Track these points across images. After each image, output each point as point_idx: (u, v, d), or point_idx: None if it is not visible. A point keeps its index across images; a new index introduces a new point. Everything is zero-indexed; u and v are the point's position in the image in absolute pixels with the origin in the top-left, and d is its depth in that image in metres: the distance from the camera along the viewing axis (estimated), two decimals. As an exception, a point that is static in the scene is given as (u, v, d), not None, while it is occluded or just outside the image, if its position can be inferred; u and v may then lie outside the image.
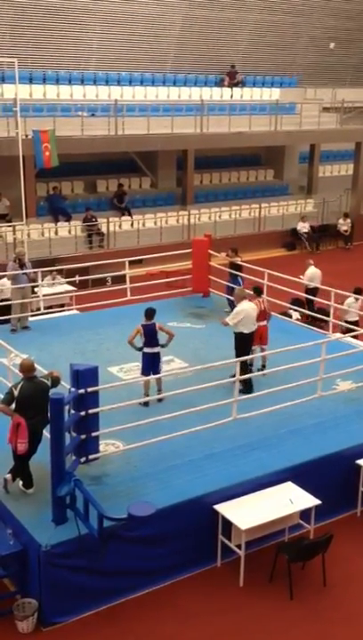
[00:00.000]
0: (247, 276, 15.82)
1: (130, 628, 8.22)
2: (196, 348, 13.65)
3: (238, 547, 8.92)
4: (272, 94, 29.27)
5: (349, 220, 28.30)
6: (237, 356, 11.66)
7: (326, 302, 14.57)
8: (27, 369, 9.04)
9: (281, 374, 11.40)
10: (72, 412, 9.02)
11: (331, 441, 10.51)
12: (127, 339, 11.60)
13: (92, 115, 23.46)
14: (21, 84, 20.59)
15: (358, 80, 33.83)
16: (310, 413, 11.16)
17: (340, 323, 14.92)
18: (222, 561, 9.26)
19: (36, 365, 9.33)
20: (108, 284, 18.23)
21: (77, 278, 18.92)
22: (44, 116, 22.16)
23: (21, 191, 18.33)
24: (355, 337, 13.63)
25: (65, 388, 9.16)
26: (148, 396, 11.22)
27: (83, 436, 9.13)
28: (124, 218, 24.70)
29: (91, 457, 9.36)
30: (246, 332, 12.02)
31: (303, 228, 27.27)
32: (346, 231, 28.30)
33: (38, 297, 15.84)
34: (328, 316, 14.86)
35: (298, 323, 15.72)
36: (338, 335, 14.02)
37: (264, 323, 12.81)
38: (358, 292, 15.55)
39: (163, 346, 11.59)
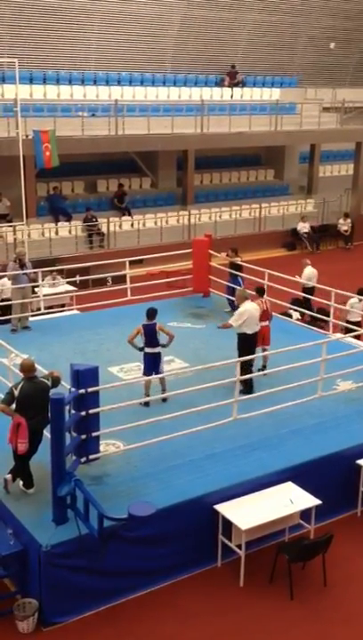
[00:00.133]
0: (247, 276, 15.82)
1: (130, 628, 8.23)
2: (196, 348, 13.65)
3: (239, 547, 8.92)
4: (272, 94, 29.27)
5: (349, 220, 28.29)
6: (240, 356, 11.65)
7: (327, 302, 14.56)
8: (27, 369, 9.05)
9: (282, 374, 11.41)
10: (72, 412, 9.01)
11: (331, 441, 10.51)
12: (127, 338, 11.62)
13: (93, 115, 23.47)
14: (22, 84, 20.62)
15: (358, 80, 33.84)
16: (310, 413, 11.17)
17: (341, 323, 14.91)
18: (223, 561, 9.26)
19: (36, 365, 9.33)
20: (109, 284, 18.24)
21: (78, 278, 18.92)
22: (45, 116, 22.16)
23: (22, 191, 18.33)
24: (357, 337, 13.62)
25: (65, 388, 9.16)
26: (148, 396, 11.22)
27: (83, 436, 9.13)
28: (124, 218, 24.70)
29: (91, 457, 9.36)
30: (249, 332, 12.00)
31: (304, 228, 27.27)
32: (346, 231, 28.29)
33: (39, 297, 15.84)
34: (328, 316, 14.86)
35: (298, 323, 15.72)
36: (339, 335, 14.02)
37: (266, 323, 12.80)
38: (361, 292, 15.54)
39: (163, 346, 11.59)
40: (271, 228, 27.30)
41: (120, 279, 17.29)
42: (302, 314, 16.31)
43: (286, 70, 31.34)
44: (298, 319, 16.11)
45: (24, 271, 14.82)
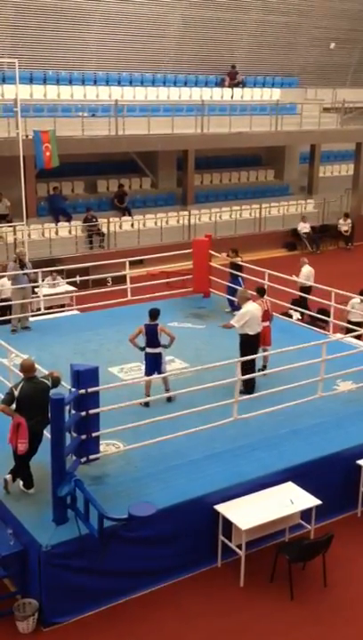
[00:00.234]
0: (248, 277, 15.82)
1: (130, 628, 8.22)
2: (196, 349, 13.64)
3: (239, 547, 8.91)
4: (273, 94, 29.28)
5: (349, 221, 28.30)
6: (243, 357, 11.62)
7: (327, 302, 14.56)
8: (27, 369, 9.04)
9: (282, 375, 11.40)
10: (73, 412, 9.02)
11: (332, 441, 10.50)
12: (129, 337, 11.62)
13: (93, 115, 23.47)
14: (22, 84, 20.62)
15: (358, 80, 33.85)
16: (310, 414, 11.16)
17: (341, 323, 14.90)
18: (223, 561, 9.26)
19: (36, 365, 9.33)
20: (109, 285, 18.24)
21: (78, 278, 18.92)
22: (45, 116, 22.17)
23: (22, 191, 18.31)
24: (358, 337, 13.61)
25: (65, 388, 9.16)
26: (148, 396, 11.22)
27: (83, 437, 9.13)
28: (124, 218, 24.70)
29: (91, 457, 9.36)
30: (251, 333, 11.97)
31: (304, 228, 27.27)
32: (347, 231, 28.30)
33: (39, 297, 15.84)
34: (329, 316, 14.85)
35: (299, 323, 15.72)
36: (339, 336, 14.01)
37: (267, 323, 12.79)
38: (362, 292, 15.53)
39: (165, 347, 11.59)
40: (272, 229, 27.31)
41: (120, 279, 17.30)
42: (303, 314, 16.30)
43: (286, 70, 31.35)
44: (298, 319, 16.10)
45: (24, 271, 14.82)
